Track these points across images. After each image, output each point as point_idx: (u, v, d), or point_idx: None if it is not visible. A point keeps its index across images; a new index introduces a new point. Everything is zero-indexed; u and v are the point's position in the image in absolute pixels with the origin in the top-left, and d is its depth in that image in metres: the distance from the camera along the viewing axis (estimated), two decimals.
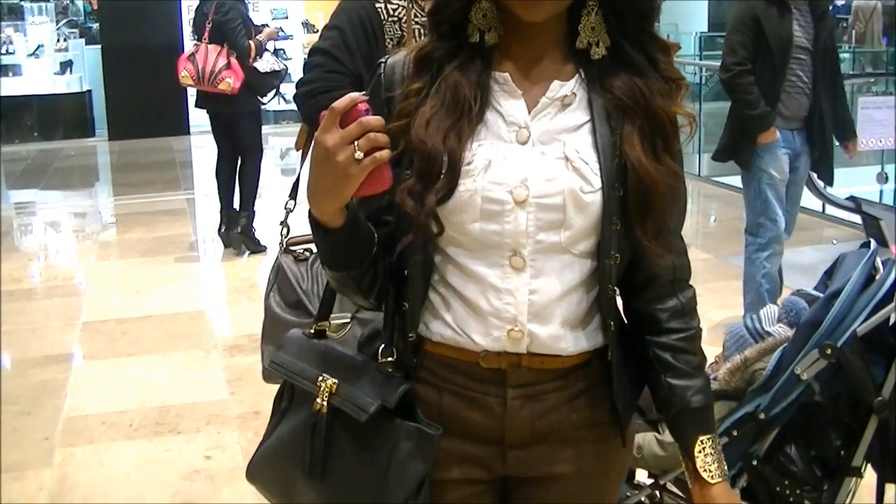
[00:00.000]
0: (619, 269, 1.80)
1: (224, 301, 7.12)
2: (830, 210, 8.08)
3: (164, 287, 7.23)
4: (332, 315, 2.23)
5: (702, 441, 1.86)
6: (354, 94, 1.60)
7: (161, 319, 6.51)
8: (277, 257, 2.99)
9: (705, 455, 1.86)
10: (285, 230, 3.04)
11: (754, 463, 2.97)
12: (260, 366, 2.90)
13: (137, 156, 13.27)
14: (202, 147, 13.93)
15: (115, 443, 4.71)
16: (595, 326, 1.83)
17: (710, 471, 1.86)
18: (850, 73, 9.93)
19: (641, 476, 3.36)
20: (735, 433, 2.94)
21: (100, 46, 14.84)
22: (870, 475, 3.09)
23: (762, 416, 2.90)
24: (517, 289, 1.75)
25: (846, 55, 11.21)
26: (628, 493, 3.27)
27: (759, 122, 5.28)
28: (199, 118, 13.82)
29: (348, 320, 2.53)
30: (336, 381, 1.83)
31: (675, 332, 1.86)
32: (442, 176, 1.71)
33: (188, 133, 14.71)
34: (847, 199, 6.05)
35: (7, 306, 6.69)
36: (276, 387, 2.04)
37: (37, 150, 14.12)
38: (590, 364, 1.84)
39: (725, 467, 1.88)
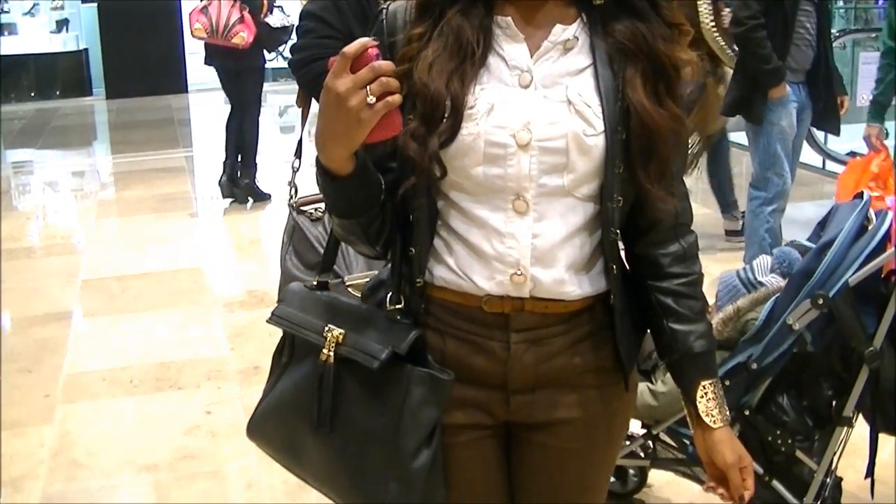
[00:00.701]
0: (622, 212, 1.81)
1: (224, 257, 7.13)
2: (830, 165, 8.09)
3: (163, 244, 7.25)
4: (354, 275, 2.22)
5: (704, 386, 1.87)
6: (365, 39, 1.60)
7: (161, 276, 6.54)
8: (290, 218, 2.97)
9: (707, 400, 1.87)
10: (293, 190, 3.03)
11: (746, 413, 3.00)
12: (261, 321, 2.89)
13: (135, 114, 13.24)
14: (200, 105, 13.90)
15: (116, 399, 4.74)
16: (598, 271, 1.84)
17: (713, 416, 1.87)
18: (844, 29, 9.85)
19: (634, 426, 3.40)
20: (727, 383, 2.96)
21: (96, 4, 14.77)
22: (861, 427, 3.12)
23: (754, 365, 2.93)
24: (520, 233, 1.76)
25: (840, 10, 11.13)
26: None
27: (772, 76, 5.25)
28: (197, 76, 13.82)
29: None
30: (343, 331, 1.83)
31: (677, 277, 1.87)
32: (445, 119, 1.71)
33: (186, 91, 14.67)
34: (847, 154, 6.06)
35: (6, 265, 6.72)
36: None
37: (33, 109, 14.09)
38: (593, 309, 1.85)
39: (727, 412, 1.89)
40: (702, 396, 1.87)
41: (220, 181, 8.09)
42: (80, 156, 11.40)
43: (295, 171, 3.05)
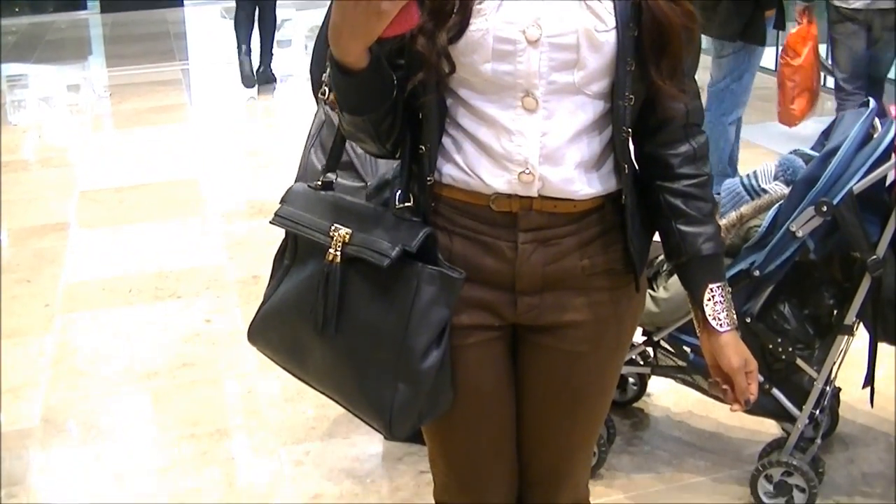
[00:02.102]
0: (633, 111, 1.78)
1: (221, 169, 7.08)
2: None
3: (160, 156, 7.21)
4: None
5: (711, 289, 1.86)
6: None
7: (158, 187, 6.51)
8: (321, 111, 2.91)
9: (714, 303, 1.86)
10: (326, 88, 2.96)
11: (748, 321, 3.00)
12: (259, 231, 2.85)
13: (130, 28, 13.11)
14: (196, 18, 13.77)
15: (115, 308, 4.75)
16: (608, 170, 1.81)
17: (719, 319, 1.86)
18: None
19: (635, 334, 3.40)
20: (729, 290, 2.96)
21: None
22: (860, 340, 3.12)
23: (756, 273, 2.92)
24: (528, 130, 1.73)
25: None
26: None
27: None
28: None
29: None
30: (349, 230, 1.80)
31: (687, 177, 1.84)
32: (453, 14, 1.68)
33: (181, 5, 14.51)
34: None
35: (3, 177, 6.70)
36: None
37: (27, 23, 13.94)
38: (603, 209, 1.83)
39: (735, 316, 1.88)
40: (709, 299, 1.86)
41: (241, 71, 8.73)
42: (75, 69, 11.30)
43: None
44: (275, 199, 1.98)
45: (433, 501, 2.14)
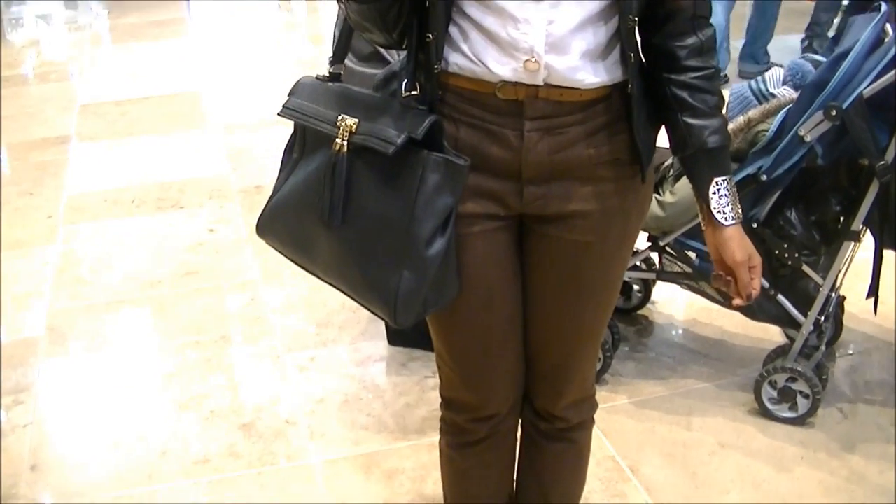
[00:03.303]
0: (641, 0, 1.74)
1: (223, 81, 7.02)
2: None
3: (160, 69, 7.15)
4: None
5: (717, 182, 1.84)
6: None
7: (159, 100, 6.46)
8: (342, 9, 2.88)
9: (720, 196, 1.84)
10: None
11: (754, 226, 2.99)
12: (262, 142, 2.83)
13: None
14: None
15: (118, 219, 4.74)
16: (614, 59, 1.78)
17: (724, 212, 1.84)
18: None
19: (640, 240, 3.39)
20: None
21: None
22: (864, 251, 3.12)
23: (763, 177, 2.90)
24: (535, 18, 1.70)
25: None
26: None
27: None
28: None
29: None
30: (356, 119, 1.79)
31: (694, 70, 1.81)
32: None
33: None
34: None
35: (3, 91, 6.64)
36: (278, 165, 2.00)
37: None
38: (609, 98, 1.80)
39: (740, 210, 1.87)
40: (714, 192, 1.84)
41: None
42: None
43: None
44: (277, 110, 1.96)
45: (438, 405, 2.16)
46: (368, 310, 1.84)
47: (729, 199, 1.85)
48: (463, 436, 2.12)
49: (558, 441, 2.15)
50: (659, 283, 3.68)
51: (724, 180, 1.85)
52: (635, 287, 3.70)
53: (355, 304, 1.88)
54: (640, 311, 3.73)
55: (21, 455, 3.12)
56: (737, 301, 1.91)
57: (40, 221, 4.76)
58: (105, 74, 7.17)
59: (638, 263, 3.30)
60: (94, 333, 3.79)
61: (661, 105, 1.85)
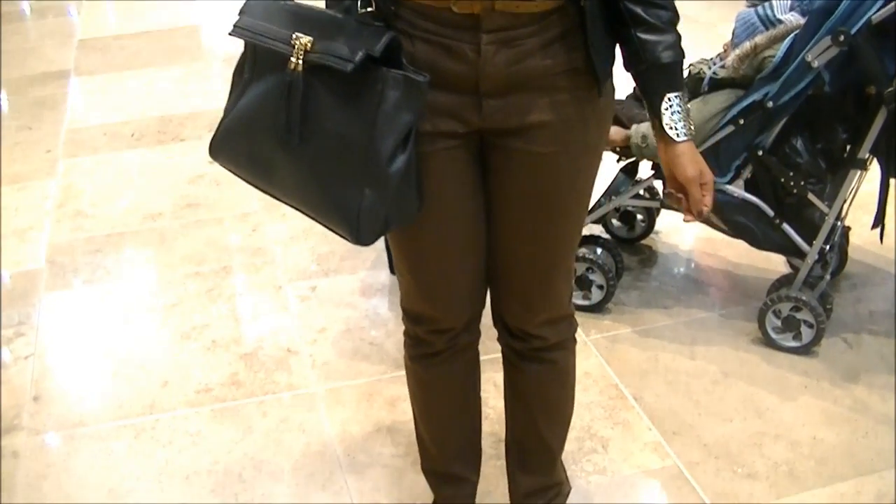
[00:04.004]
0: None
1: (222, 15, 6.95)
2: None
3: (159, 3, 7.06)
4: None
5: (669, 98, 1.84)
6: None
7: (159, 35, 6.41)
8: None
9: (672, 112, 1.84)
10: None
11: (760, 154, 2.96)
12: None
13: None
14: None
15: (118, 152, 4.72)
16: None
17: (676, 129, 1.85)
18: None
19: (643, 168, 3.37)
20: (741, 122, 2.92)
21: None
22: (868, 184, 3.09)
23: (770, 104, 2.87)
24: None
25: None
26: (630, 186, 3.29)
27: None
28: None
29: None
30: (311, 38, 1.75)
31: None
32: None
33: None
34: None
35: (2, 27, 6.59)
36: None
37: None
38: (564, 10, 1.79)
39: (692, 126, 1.87)
40: (666, 108, 1.84)
41: None
42: None
43: None
44: None
45: None
46: (329, 229, 1.83)
47: (681, 116, 1.86)
48: (423, 347, 2.18)
49: (538, 362, 2.17)
50: (663, 213, 3.67)
51: (676, 96, 1.85)
52: (639, 216, 3.68)
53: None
54: (643, 241, 3.71)
55: (23, 386, 3.12)
56: (688, 217, 1.93)
57: (40, 156, 4.73)
58: (102, 9, 7.11)
59: (641, 192, 3.28)
60: (95, 265, 3.77)
61: (615, 20, 1.84)
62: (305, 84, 1.75)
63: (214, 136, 1.94)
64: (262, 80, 1.84)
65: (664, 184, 1.98)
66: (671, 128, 1.85)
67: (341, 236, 1.81)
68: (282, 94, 1.77)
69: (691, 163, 1.87)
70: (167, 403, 3.02)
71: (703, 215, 1.91)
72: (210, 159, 1.93)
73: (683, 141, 1.86)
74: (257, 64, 1.86)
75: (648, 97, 1.87)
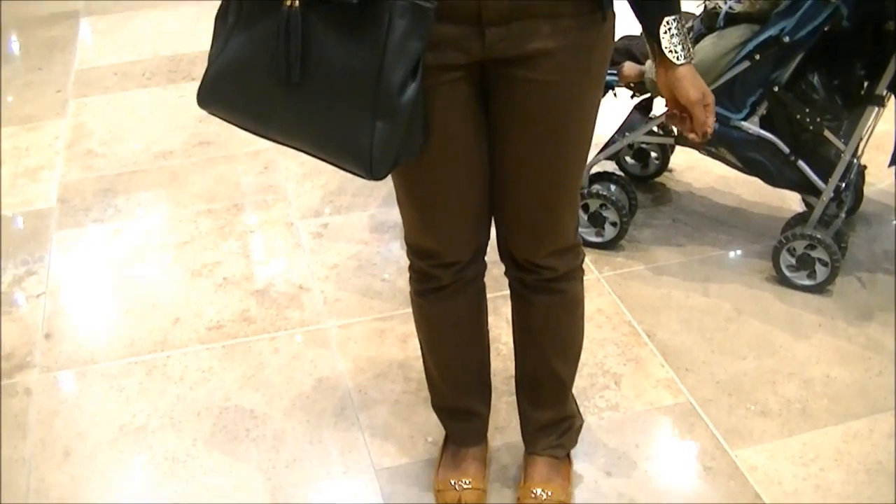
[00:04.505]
0: None
1: None
2: None
3: None
4: None
5: (667, 22, 1.83)
6: None
7: None
8: None
9: (671, 36, 1.83)
10: None
11: (775, 90, 2.93)
12: None
13: None
14: None
15: (129, 91, 4.69)
16: None
17: (676, 52, 1.84)
18: None
19: (657, 105, 3.34)
20: (757, 57, 2.88)
21: None
22: (885, 123, 3.06)
23: (786, 39, 2.83)
24: None
25: None
26: (644, 124, 3.26)
27: None
28: None
29: None
30: None
31: None
32: None
33: None
34: None
35: None
36: None
37: None
38: None
39: (691, 49, 1.86)
40: (665, 32, 1.84)
41: None
42: None
43: None
44: None
45: None
46: (337, 166, 1.80)
47: (680, 39, 1.85)
48: (428, 282, 2.18)
49: (547, 293, 2.17)
50: (677, 151, 3.64)
51: (674, 19, 1.84)
52: (653, 154, 3.65)
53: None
54: (657, 179, 3.69)
55: (35, 324, 3.12)
56: (692, 136, 1.92)
57: (50, 96, 4.71)
58: None
59: (655, 129, 3.25)
60: (106, 204, 3.76)
61: None
62: (304, 20, 1.72)
63: (202, 85, 1.89)
64: (250, 21, 1.80)
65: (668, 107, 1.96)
66: (671, 51, 1.84)
67: (353, 173, 1.79)
68: (278, 33, 1.73)
69: (693, 86, 1.87)
70: (178, 340, 3.02)
71: (707, 136, 1.91)
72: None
73: (683, 64, 1.85)
74: (243, 7, 1.81)
75: (646, 22, 1.87)
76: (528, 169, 1.96)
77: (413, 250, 2.15)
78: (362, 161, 1.73)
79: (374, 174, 1.74)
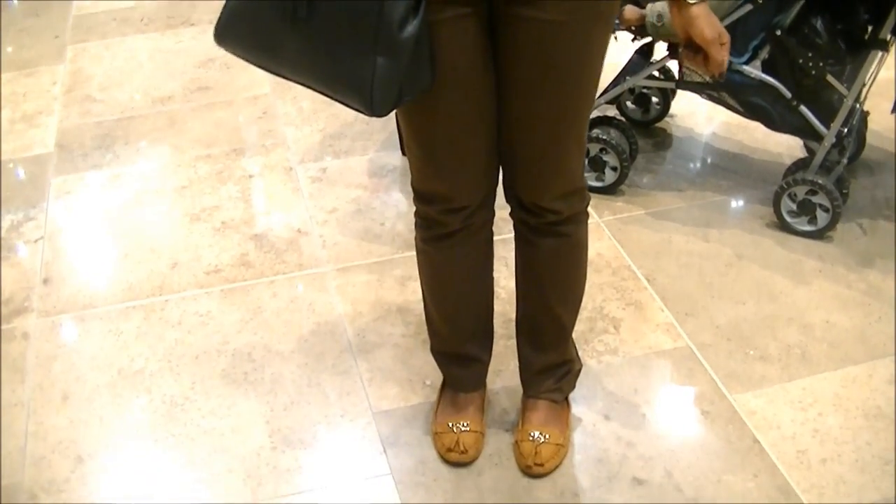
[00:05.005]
0: None
1: None
2: None
3: None
4: None
5: None
6: None
7: None
8: None
9: None
10: None
11: (778, 34, 2.90)
12: None
13: None
14: None
15: (127, 37, 4.66)
16: None
17: None
18: None
19: (658, 48, 3.31)
20: (759, 1, 2.85)
21: None
22: (887, 70, 3.03)
23: None
24: None
25: None
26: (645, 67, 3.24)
27: None
28: None
29: None
30: None
31: None
32: None
33: None
34: None
35: None
36: None
37: None
38: None
39: None
40: None
41: None
42: None
43: None
44: None
45: None
46: (343, 103, 1.80)
47: None
48: (436, 228, 2.15)
49: (552, 236, 2.16)
50: (678, 96, 3.62)
51: None
52: (654, 99, 3.63)
53: (368, 117, 1.83)
54: (658, 124, 3.67)
55: (33, 269, 3.12)
56: (709, 73, 1.92)
57: (47, 41, 4.68)
58: None
59: (656, 73, 3.22)
60: (105, 149, 3.74)
61: None
62: None
63: (218, 22, 1.90)
64: None
65: (675, 53, 1.94)
66: None
67: (356, 109, 1.78)
68: None
69: (708, 25, 1.84)
70: (177, 284, 3.01)
71: (723, 76, 1.89)
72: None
73: (697, 3, 1.83)
74: None
75: None
76: (535, 110, 1.94)
77: (420, 196, 2.13)
78: (363, 97, 1.73)
79: (374, 110, 1.75)
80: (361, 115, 2.63)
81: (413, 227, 2.22)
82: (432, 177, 2.06)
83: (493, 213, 2.19)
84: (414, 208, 2.17)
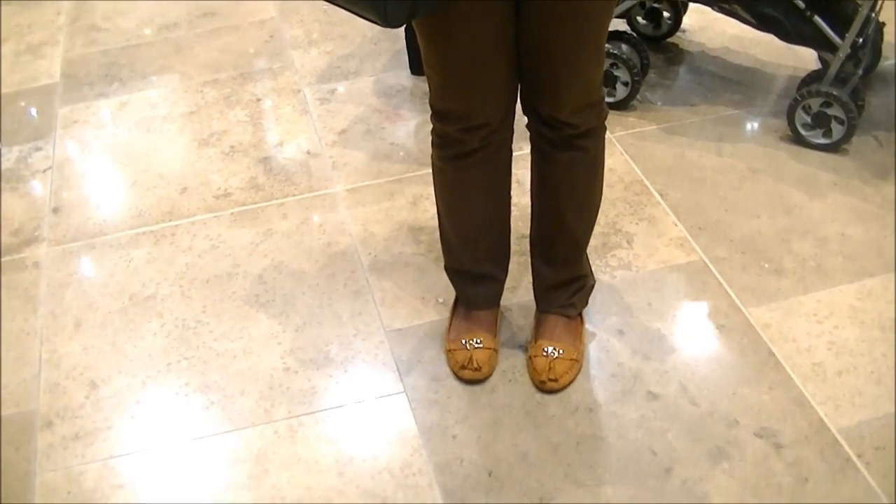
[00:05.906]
0: None
1: None
2: None
3: None
4: None
5: None
6: None
7: None
8: None
9: None
10: None
11: None
12: None
13: None
14: None
15: None
16: None
17: None
18: None
19: None
20: None
21: None
22: None
23: None
24: None
25: None
26: None
27: None
28: None
29: None
30: None
31: None
32: None
33: None
34: None
35: None
36: None
37: None
38: None
39: None
40: None
41: None
42: None
43: None
44: None
45: None
46: (358, 15, 1.77)
47: None
48: (454, 147, 2.13)
49: (569, 149, 2.13)
50: (690, 11, 3.56)
51: None
52: (665, 14, 3.57)
53: (376, 37, 1.80)
54: (669, 40, 3.61)
55: (43, 198, 3.10)
56: None
57: None
58: None
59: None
60: (111, 78, 3.71)
61: None
62: None
63: None
64: None
65: None
66: None
67: (370, 20, 1.76)
68: None
69: None
70: (186, 210, 3.00)
71: None
72: None
73: None
74: None
75: None
76: (553, 22, 1.91)
77: (438, 114, 2.10)
78: (377, 7, 1.71)
79: (388, 20, 1.73)
80: (369, 36, 2.61)
81: (426, 145, 2.19)
82: (451, 96, 2.03)
83: (511, 132, 2.16)
84: (428, 127, 2.15)
